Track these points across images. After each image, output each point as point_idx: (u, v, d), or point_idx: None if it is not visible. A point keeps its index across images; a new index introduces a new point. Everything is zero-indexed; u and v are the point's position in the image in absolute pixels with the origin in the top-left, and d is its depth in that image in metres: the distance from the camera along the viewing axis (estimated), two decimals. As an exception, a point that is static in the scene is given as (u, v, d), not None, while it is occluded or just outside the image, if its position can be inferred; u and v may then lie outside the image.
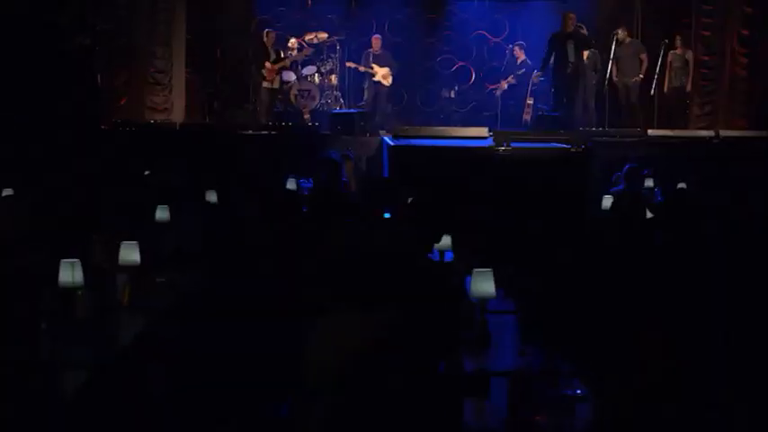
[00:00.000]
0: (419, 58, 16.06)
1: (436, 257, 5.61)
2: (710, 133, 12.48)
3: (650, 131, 12.34)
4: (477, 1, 15.98)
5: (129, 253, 4.87)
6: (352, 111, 12.88)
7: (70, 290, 4.42)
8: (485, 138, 10.45)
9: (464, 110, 15.81)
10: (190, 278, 5.39)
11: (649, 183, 9.71)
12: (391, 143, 10.18)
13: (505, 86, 14.69)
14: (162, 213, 6.60)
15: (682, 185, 8.63)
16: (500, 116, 14.33)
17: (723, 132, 12.50)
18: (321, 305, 3.82)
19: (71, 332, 4.32)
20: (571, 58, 12.80)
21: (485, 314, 4.30)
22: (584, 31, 13.25)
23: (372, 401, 3.20)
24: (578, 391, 3.41)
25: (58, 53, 11.16)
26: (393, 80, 15.24)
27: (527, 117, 14.22)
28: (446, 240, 5.59)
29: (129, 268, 4.89)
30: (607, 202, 7.94)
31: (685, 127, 13.60)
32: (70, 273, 4.38)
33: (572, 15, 13.09)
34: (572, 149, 9.21)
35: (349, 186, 9.55)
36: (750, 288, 4.34)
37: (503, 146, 9.07)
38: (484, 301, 4.28)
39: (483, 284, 4.24)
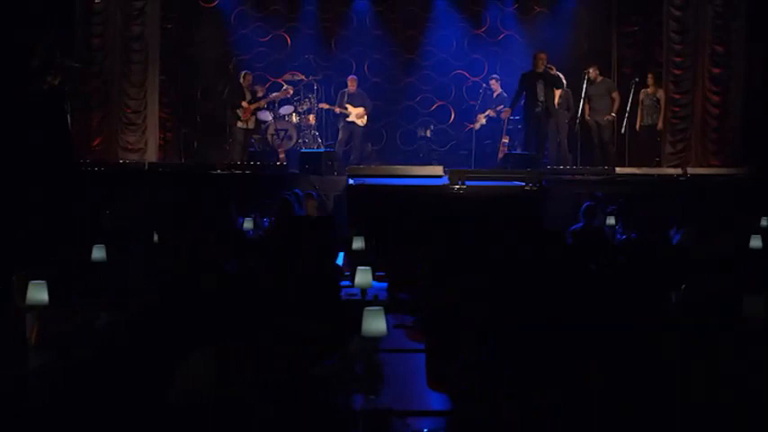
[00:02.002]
0: (398, 97, 16.21)
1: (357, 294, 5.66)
2: (678, 171, 12.50)
3: (618, 169, 12.36)
4: (455, 41, 16.11)
5: (37, 292, 4.89)
6: (319, 150, 12.94)
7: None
8: (440, 176, 10.50)
9: (443, 149, 15.90)
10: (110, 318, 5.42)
11: (611, 220, 9.74)
12: (347, 182, 10.23)
13: (484, 121, 14.72)
14: (98, 253, 6.62)
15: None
16: (474, 155, 14.37)
17: (691, 170, 12.53)
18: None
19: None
20: (540, 97, 12.87)
21: (377, 352, 4.30)
22: (554, 72, 13.31)
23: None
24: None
25: (27, 94, 11.23)
26: (372, 119, 15.36)
27: (502, 156, 14.27)
28: (365, 277, 5.62)
29: (38, 307, 4.90)
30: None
31: (658, 165, 13.64)
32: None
33: (542, 55, 13.18)
34: (526, 187, 9.23)
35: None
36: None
37: (457, 184, 9.09)
38: (376, 339, 4.28)
39: (375, 323, 4.24)
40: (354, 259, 7.49)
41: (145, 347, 4.57)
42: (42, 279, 4.94)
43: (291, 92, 14.80)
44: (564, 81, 13.80)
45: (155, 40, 13.79)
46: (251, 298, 4.29)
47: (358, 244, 7.52)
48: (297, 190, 9.68)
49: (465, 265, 5.53)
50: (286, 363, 4.05)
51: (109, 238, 7.14)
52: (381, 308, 4.25)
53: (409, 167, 11.95)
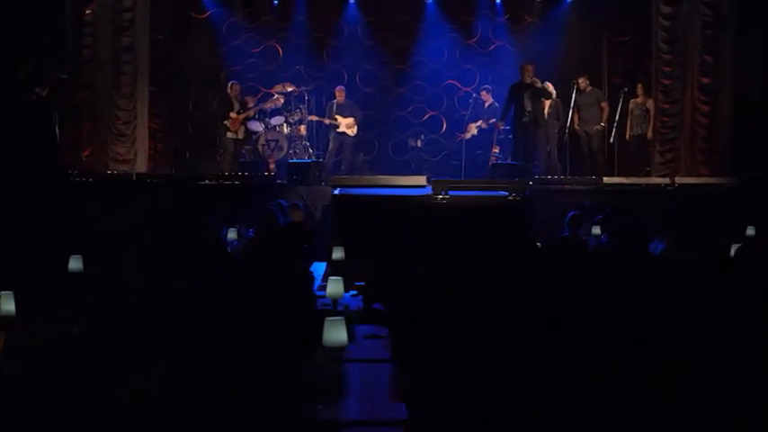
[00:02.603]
0: (390, 108, 16.23)
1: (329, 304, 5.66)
2: (666, 181, 12.50)
3: (606, 179, 12.36)
4: (446, 51, 16.14)
5: (5, 303, 4.89)
6: (307, 161, 12.94)
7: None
8: (424, 186, 10.50)
9: (435, 159, 15.93)
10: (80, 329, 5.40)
11: (596, 230, 9.73)
12: (332, 192, 10.24)
13: (475, 131, 14.74)
14: (75, 264, 6.63)
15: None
16: (464, 165, 14.37)
17: (679, 179, 12.53)
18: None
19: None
20: (528, 107, 12.91)
21: (340, 363, 4.31)
22: (539, 84, 13.32)
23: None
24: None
25: (14, 105, 11.29)
26: (364, 129, 15.39)
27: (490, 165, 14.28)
28: (336, 287, 5.62)
29: (5, 318, 4.90)
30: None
31: (648, 174, 13.64)
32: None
33: (529, 67, 13.23)
34: (509, 197, 9.23)
35: (298, 235, 9.61)
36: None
37: (441, 194, 9.09)
38: (338, 349, 4.28)
39: (335, 333, 4.24)
40: (335, 269, 7.50)
41: (113, 358, 4.58)
42: (9, 290, 4.94)
43: (282, 101, 14.80)
44: (553, 91, 13.82)
45: (144, 51, 13.79)
46: (210, 309, 4.29)
47: (337, 254, 7.52)
48: (282, 200, 9.67)
49: (436, 280, 5.55)
50: (247, 373, 4.06)
51: (90, 248, 7.15)
52: (343, 318, 4.25)
53: (393, 177, 11.96)
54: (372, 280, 6.89)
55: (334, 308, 5.66)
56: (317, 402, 4.08)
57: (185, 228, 8.14)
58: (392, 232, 8.23)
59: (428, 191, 9.70)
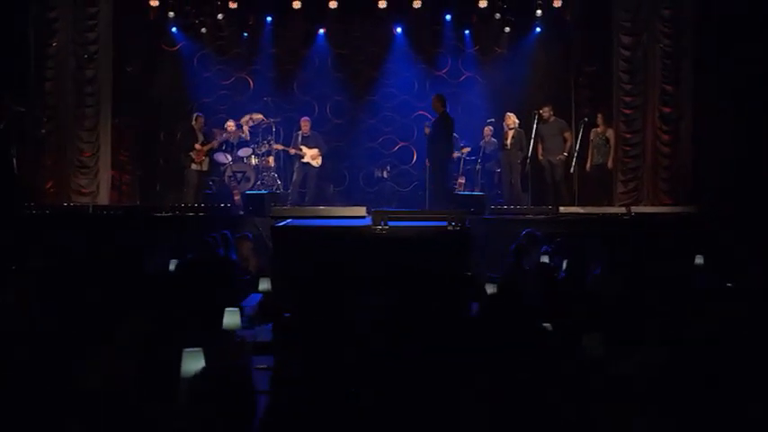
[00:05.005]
0: (360, 139, 16.29)
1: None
2: (622, 210, 12.48)
3: (562, 208, 12.34)
4: (416, 82, 16.20)
5: None
6: (263, 192, 12.95)
7: None
8: (364, 217, 10.51)
9: (406, 189, 15.95)
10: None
11: (545, 259, 9.71)
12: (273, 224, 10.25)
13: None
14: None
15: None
16: (428, 195, 14.38)
17: (638, 209, 12.50)
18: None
19: None
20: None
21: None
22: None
23: None
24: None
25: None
26: (335, 160, 15.43)
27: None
28: (233, 318, 5.61)
29: None
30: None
31: (610, 204, 13.63)
32: None
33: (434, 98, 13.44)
34: (449, 228, 9.22)
35: (248, 265, 9.60)
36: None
37: (380, 225, 9.10)
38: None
39: (193, 364, 4.22)
40: (265, 301, 7.50)
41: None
42: None
43: (232, 129, 14.72)
44: None
45: (107, 83, 13.88)
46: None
47: (264, 285, 7.51)
48: (226, 231, 9.65)
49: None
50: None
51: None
52: (201, 349, 4.23)
53: (333, 208, 11.97)
54: (303, 312, 6.86)
55: (231, 339, 5.63)
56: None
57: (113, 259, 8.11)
58: (326, 263, 8.20)
59: (368, 222, 9.71)
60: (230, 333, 5.55)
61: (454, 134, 13.70)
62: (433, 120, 13.41)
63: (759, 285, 7.07)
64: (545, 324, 5.67)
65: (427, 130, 13.46)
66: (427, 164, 14.16)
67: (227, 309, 5.66)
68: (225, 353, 5.03)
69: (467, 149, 14.69)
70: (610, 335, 5.17)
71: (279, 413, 4.06)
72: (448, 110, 13.31)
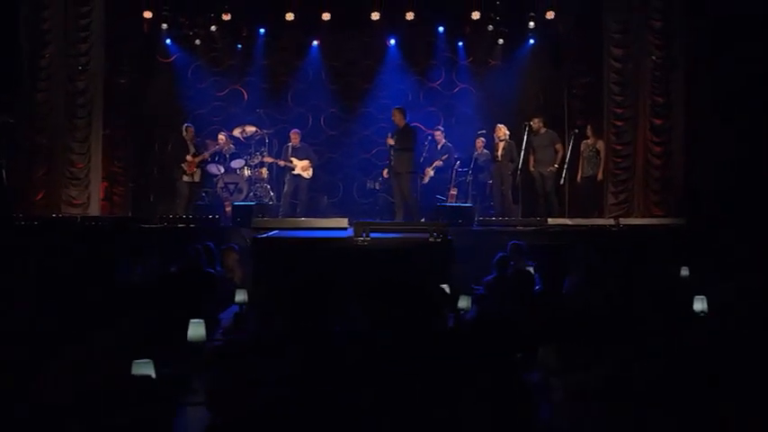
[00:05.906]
0: (354, 150, 16.30)
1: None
2: (610, 221, 12.45)
3: (550, 220, 12.32)
4: (410, 94, 16.21)
5: None
6: (250, 203, 12.95)
7: None
8: (345, 228, 10.49)
9: (400, 201, 15.89)
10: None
11: (530, 270, 9.68)
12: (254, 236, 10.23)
13: (432, 173, 14.71)
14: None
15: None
16: (422, 207, 14.35)
17: (627, 221, 12.46)
18: None
19: None
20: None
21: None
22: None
23: None
24: None
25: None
26: (329, 172, 15.43)
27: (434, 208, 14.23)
28: (197, 330, 5.60)
29: None
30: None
31: (601, 216, 13.60)
32: None
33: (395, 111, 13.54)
34: (430, 239, 9.20)
35: (233, 276, 9.59)
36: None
37: (361, 236, 9.09)
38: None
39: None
40: (241, 313, 7.48)
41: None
42: None
43: (223, 142, 14.73)
44: None
45: (99, 95, 13.91)
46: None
47: (240, 297, 7.49)
48: (209, 243, 9.64)
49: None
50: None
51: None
52: (151, 361, 4.23)
53: (315, 220, 11.94)
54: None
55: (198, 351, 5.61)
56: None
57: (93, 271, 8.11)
58: (306, 275, 8.18)
59: (350, 233, 9.70)
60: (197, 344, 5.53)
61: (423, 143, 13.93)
62: (396, 131, 13.41)
63: (739, 301, 7.04)
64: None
65: (390, 141, 13.45)
66: (385, 175, 14.18)
67: (191, 320, 5.62)
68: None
69: (439, 163, 14.66)
70: (572, 344, 5.14)
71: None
72: (408, 120, 13.48)
